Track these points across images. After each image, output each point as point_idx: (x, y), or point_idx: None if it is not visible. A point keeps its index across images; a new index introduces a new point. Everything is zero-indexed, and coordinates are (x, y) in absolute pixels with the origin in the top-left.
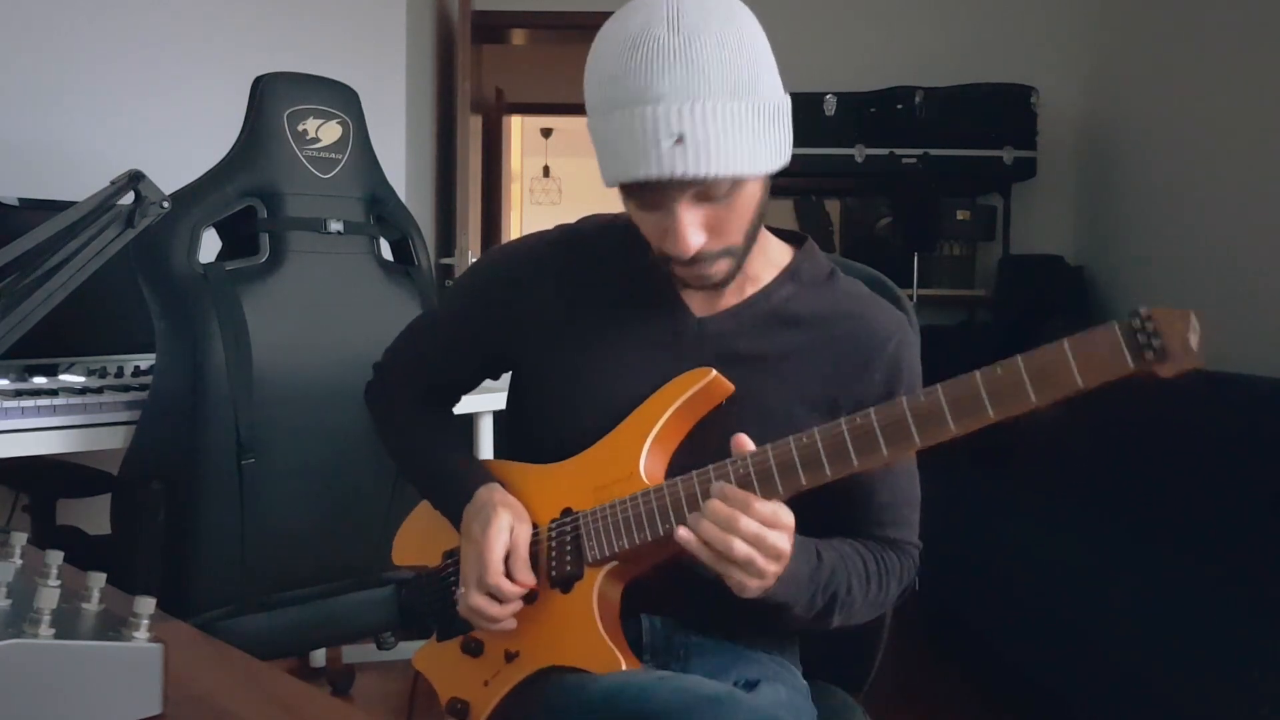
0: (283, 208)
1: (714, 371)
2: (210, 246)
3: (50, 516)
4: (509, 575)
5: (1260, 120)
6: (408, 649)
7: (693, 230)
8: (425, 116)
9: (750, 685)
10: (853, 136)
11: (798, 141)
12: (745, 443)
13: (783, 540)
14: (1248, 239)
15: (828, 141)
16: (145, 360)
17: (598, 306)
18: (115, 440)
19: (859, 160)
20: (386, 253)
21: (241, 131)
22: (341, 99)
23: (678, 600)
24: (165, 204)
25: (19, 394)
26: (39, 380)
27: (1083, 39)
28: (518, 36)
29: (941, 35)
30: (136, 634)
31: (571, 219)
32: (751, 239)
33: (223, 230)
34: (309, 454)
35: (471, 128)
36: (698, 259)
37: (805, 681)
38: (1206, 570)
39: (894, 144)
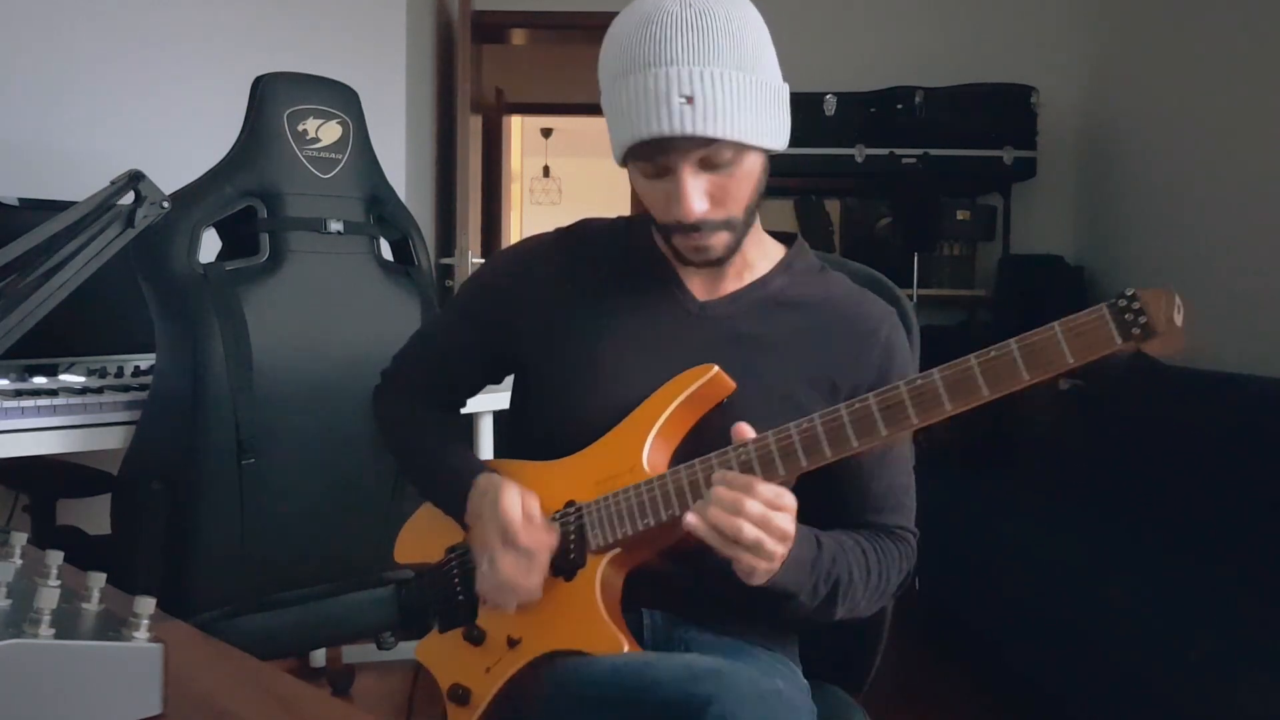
0: (283, 208)
1: (717, 368)
2: (210, 246)
3: (50, 516)
4: None
5: (1260, 120)
6: (408, 649)
7: (697, 195)
8: (425, 116)
9: None
10: (853, 136)
11: (798, 141)
12: (746, 430)
13: (787, 521)
14: (1248, 239)
15: (828, 141)
16: (145, 360)
17: (600, 297)
18: (115, 440)
19: (859, 160)
20: (386, 253)
21: (241, 131)
22: (341, 99)
23: (678, 595)
24: (165, 204)
25: (19, 394)
26: (39, 380)
27: (1083, 39)
28: (518, 36)
29: (941, 35)
30: (136, 634)
31: (571, 219)
32: (750, 216)
33: (223, 230)
34: (309, 454)
35: (471, 128)
36: (699, 227)
37: (805, 681)
38: (1206, 570)
39: (894, 144)
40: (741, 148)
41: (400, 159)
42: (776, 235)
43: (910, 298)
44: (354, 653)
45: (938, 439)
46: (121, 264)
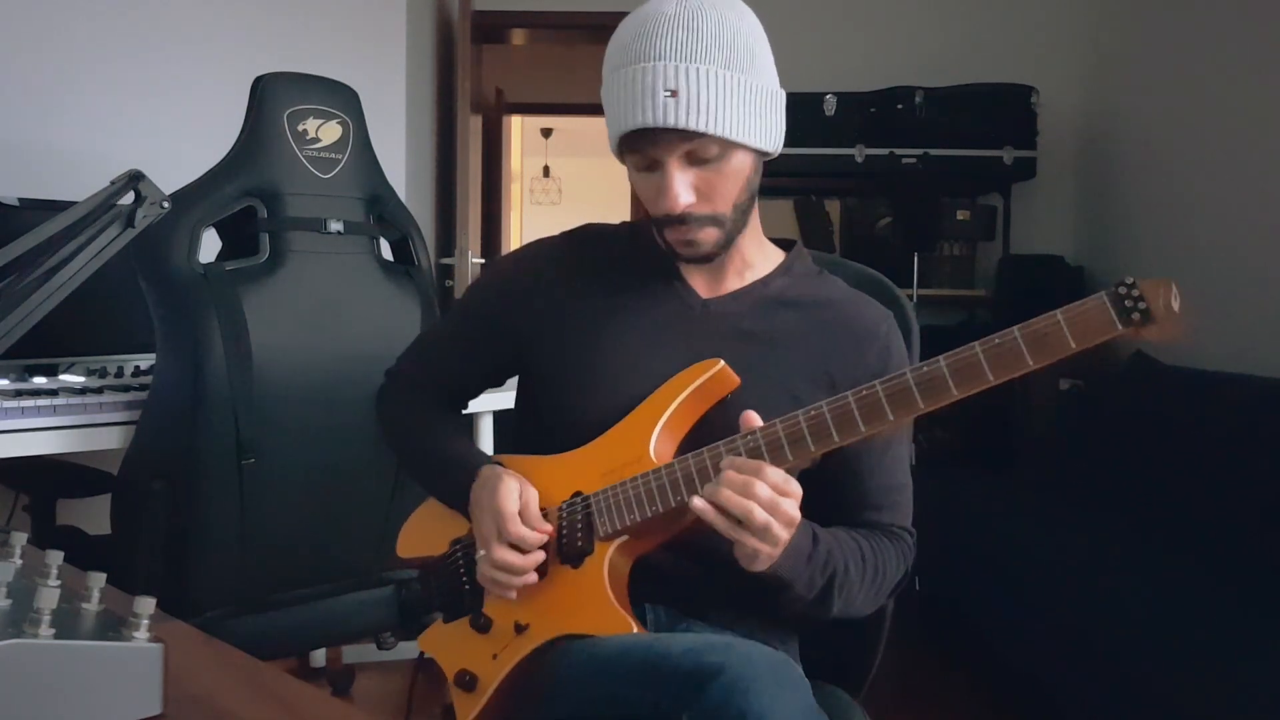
0: (283, 208)
1: (722, 362)
2: (210, 246)
3: (50, 516)
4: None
5: (1260, 120)
6: (408, 649)
7: (682, 188)
8: (425, 116)
9: None
10: (853, 136)
11: (798, 141)
12: (754, 418)
13: (793, 507)
14: (1248, 239)
15: (828, 141)
16: (145, 360)
17: (605, 296)
18: (115, 440)
19: (859, 160)
20: (386, 253)
21: (241, 131)
22: (341, 99)
23: (682, 590)
24: (165, 204)
25: (19, 394)
26: (39, 380)
27: (1083, 39)
28: (518, 36)
29: (941, 35)
30: (136, 634)
31: (571, 219)
32: (740, 215)
33: (223, 230)
34: (309, 454)
35: (471, 128)
36: (685, 220)
37: (806, 680)
38: (1207, 570)
39: (894, 144)
40: (727, 144)
41: (400, 159)
42: (776, 242)
43: (910, 298)
44: (354, 653)
45: (938, 439)
46: (121, 264)
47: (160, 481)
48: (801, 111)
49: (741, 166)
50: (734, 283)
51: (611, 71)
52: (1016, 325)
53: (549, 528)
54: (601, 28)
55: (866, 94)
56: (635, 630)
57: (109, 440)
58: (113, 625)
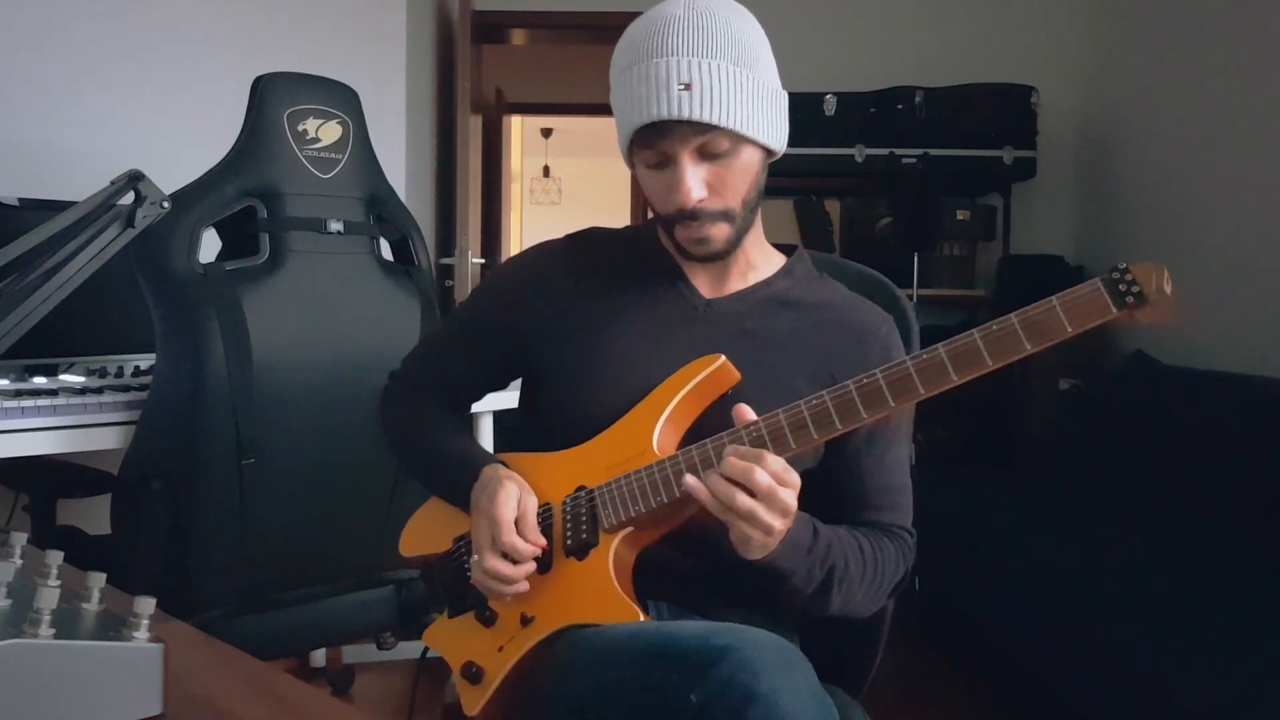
0: (283, 208)
1: (723, 358)
2: (210, 246)
3: (50, 516)
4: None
5: (1260, 120)
6: (408, 649)
7: (695, 182)
8: (425, 116)
9: None
10: (853, 136)
11: (798, 141)
12: (746, 411)
13: (791, 497)
14: (1248, 239)
15: (828, 141)
16: (145, 360)
17: (609, 295)
18: (115, 440)
19: (859, 160)
20: (386, 253)
21: (241, 131)
22: (341, 99)
23: (685, 586)
24: (165, 204)
25: (19, 394)
26: (39, 380)
27: (1083, 39)
28: (518, 36)
29: (941, 35)
30: (136, 634)
31: (571, 219)
32: (749, 213)
33: (223, 230)
34: (309, 453)
35: (471, 128)
36: (697, 215)
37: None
38: (1207, 570)
39: (894, 144)
40: (738, 139)
41: (400, 159)
42: (778, 247)
43: (910, 298)
44: (354, 653)
45: (938, 439)
46: (121, 264)
47: (160, 481)
48: (801, 111)
49: (751, 163)
50: (737, 283)
51: (621, 70)
52: (1014, 312)
53: (543, 541)
54: (601, 28)
55: (866, 94)
56: (641, 619)
57: (109, 440)
58: (113, 625)
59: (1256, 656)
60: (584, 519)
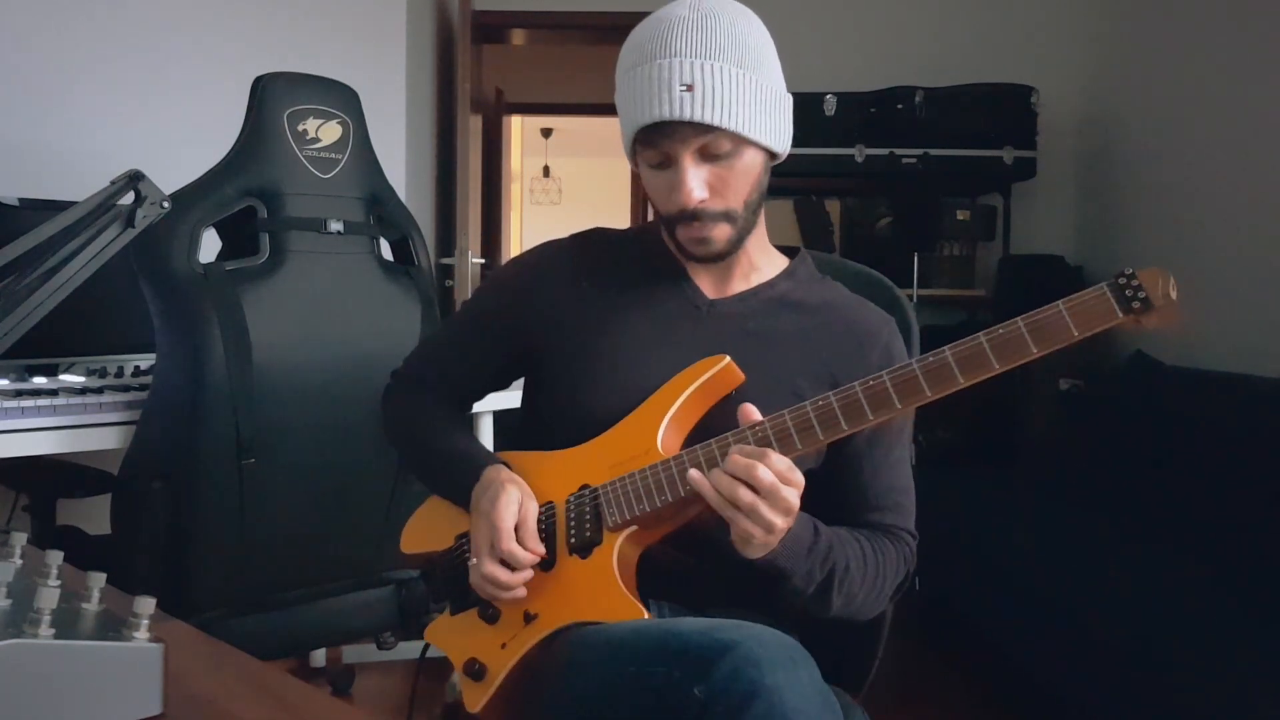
0: (283, 208)
1: (728, 358)
2: (210, 246)
3: (50, 516)
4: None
5: (1260, 120)
6: (408, 649)
7: (696, 183)
8: (425, 116)
9: None
10: (853, 136)
11: (798, 141)
12: (751, 411)
13: (794, 496)
14: (1248, 239)
15: (828, 141)
16: (145, 360)
17: (613, 295)
18: (115, 440)
19: (859, 160)
20: (386, 253)
21: (241, 131)
22: (341, 99)
23: (688, 587)
24: (165, 204)
25: (19, 394)
26: (39, 380)
27: (1083, 39)
28: (518, 36)
29: (941, 35)
30: (136, 634)
31: (571, 219)
32: (750, 214)
33: (223, 230)
34: (309, 454)
35: (471, 128)
36: (699, 215)
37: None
38: (1207, 570)
39: (894, 144)
40: (740, 140)
41: (400, 159)
42: (781, 249)
43: (910, 298)
44: (354, 653)
45: (939, 439)
46: (121, 264)
47: (160, 481)
48: (801, 111)
49: (752, 164)
50: (740, 285)
51: (626, 71)
52: (1020, 316)
53: (542, 549)
54: (601, 28)
55: (866, 94)
56: (645, 617)
57: (109, 440)
58: (113, 625)
59: (1256, 656)
60: (588, 517)
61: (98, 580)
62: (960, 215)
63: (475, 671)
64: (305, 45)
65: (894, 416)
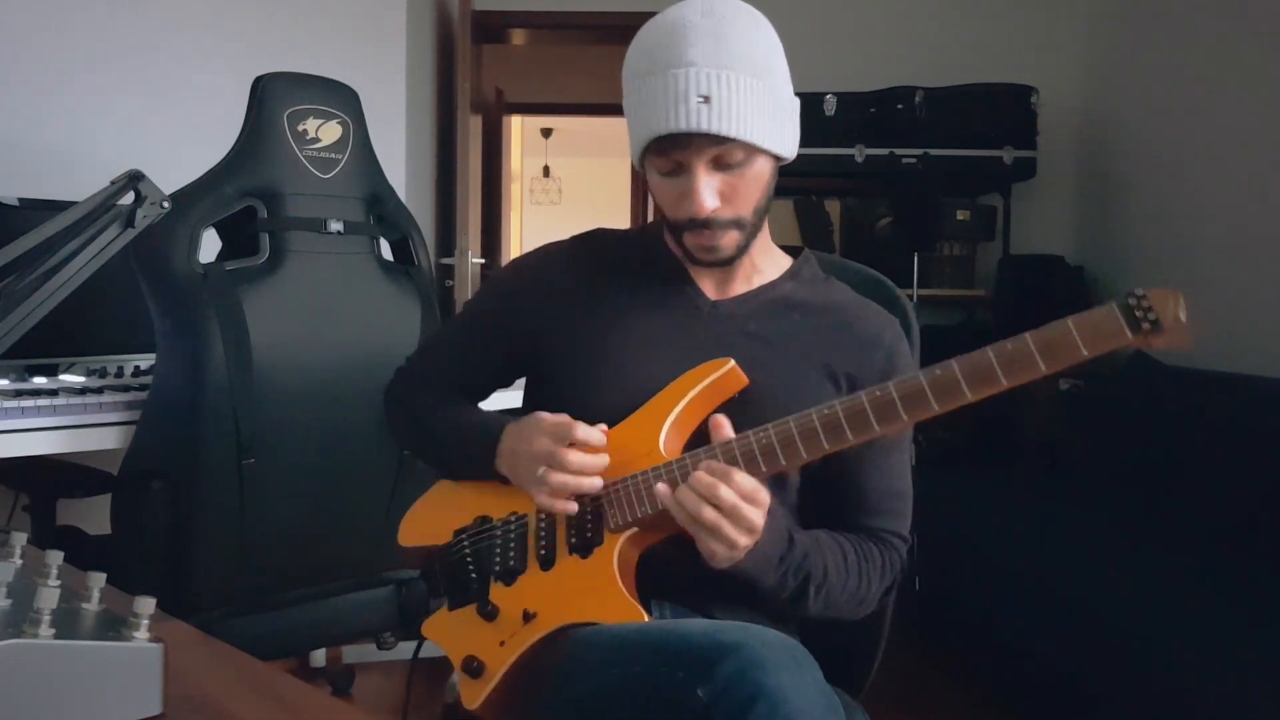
0: (283, 208)
1: (733, 362)
2: (210, 246)
3: (50, 516)
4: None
5: (1260, 120)
6: (408, 649)
7: (709, 192)
8: (425, 116)
9: None
10: (853, 136)
11: (798, 141)
12: (724, 427)
13: (756, 515)
14: (1248, 239)
15: (828, 141)
16: (145, 360)
17: (615, 296)
18: (115, 440)
19: (859, 160)
20: (386, 253)
21: (241, 131)
22: (341, 99)
23: (689, 587)
24: (165, 204)
25: (19, 394)
26: (39, 380)
27: (1083, 39)
28: (518, 36)
29: (941, 35)
30: (136, 634)
31: (571, 219)
32: (758, 219)
33: (223, 230)
34: (309, 454)
35: (471, 128)
36: (710, 224)
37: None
38: (1207, 570)
39: (894, 144)
40: (752, 149)
41: (400, 159)
42: (784, 249)
43: (910, 298)
44: (354, 653)
45: (938, 439)
46: (121, 264)
47: (160, 482)
48: (802, 111)
49: (763, 172)
50: (742, 286)
51: (638, 77)
52: (1027, 331)
53: (603, 424)
54: (601, 28)
55: (866, 94)
56: (645, 619)
57: (109, 440)
58: (113, 625)
59: (1257, 657)
60: (589, 518)
61: (98, 580)
62: (960, 215)
63: (473, 669)
64: (305, 45)
65: (896, 430)
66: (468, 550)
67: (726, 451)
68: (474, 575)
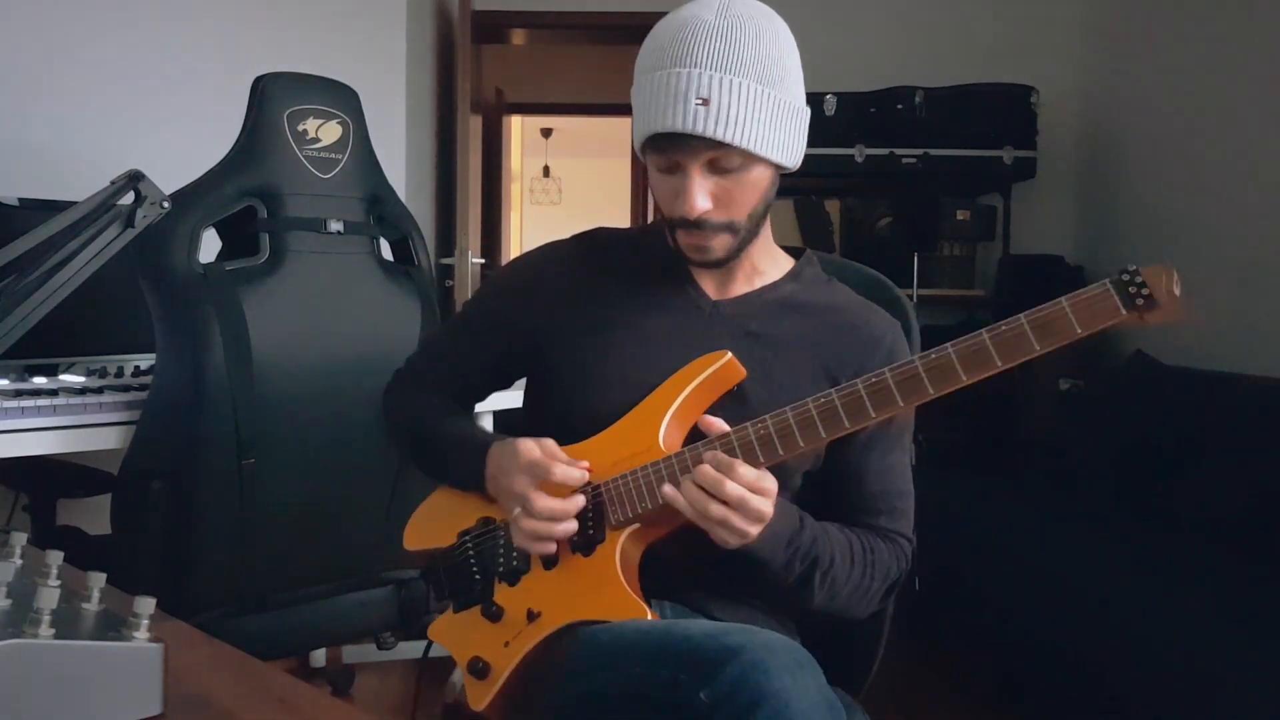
0: (283, 208)
1: (730, 354)
2: (210, 246)
3: (50, 516)
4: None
5: (1260, 120)
6: (408, 649)
7: (701, 194)
8: (425, 116)
9: None
10: (853, 136)
11: None
12: (714, 423)
13: (764, 504)
14: (1248, 239)
15: (828, 141)
16: (145, 360)
17: (615, 295)
18: (115, 440)
19: (859, 160)
20: (386, 253)
21: (241, 131)
22: (341, 99)
23: (690, 586)
24: (165, 204)
25: (19, 394)
26: (39, 380)
27: (1083, 39)
28: (518, 36)
29: (941, 35)
30: (136, 634)
31: (571, 219)
32: (754, 224)
33: (223, 230)
34: (309, 454)
35: (471, 128)
36: (701, 224)
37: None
38: (1207, 572)
39: (894, 144)
40: (750, 156)
41: (400, 159)
42: (787, 249)
43: (910, 298)
44: (354, 653)
45: (938, 439)
46: (121, 264)
47: (160, 482)
48: None
49: (760, 178)
50: (743, 287)
51: (645, 72)
52: (1023, 313)
53: (586, 462)
54: (601, 28)
55: (866, 94)
56: (649, 616)
57: (109, 440)
58: (113, 625)
59: (1257, 657)
60: (590, 515)
61: (98, 580)
62: (960, 215)
63: (479, 669)
64: (305, 45)
65: (893, 416)
66: (471, 552)
67: (725, 443)
68: (478, 576)
